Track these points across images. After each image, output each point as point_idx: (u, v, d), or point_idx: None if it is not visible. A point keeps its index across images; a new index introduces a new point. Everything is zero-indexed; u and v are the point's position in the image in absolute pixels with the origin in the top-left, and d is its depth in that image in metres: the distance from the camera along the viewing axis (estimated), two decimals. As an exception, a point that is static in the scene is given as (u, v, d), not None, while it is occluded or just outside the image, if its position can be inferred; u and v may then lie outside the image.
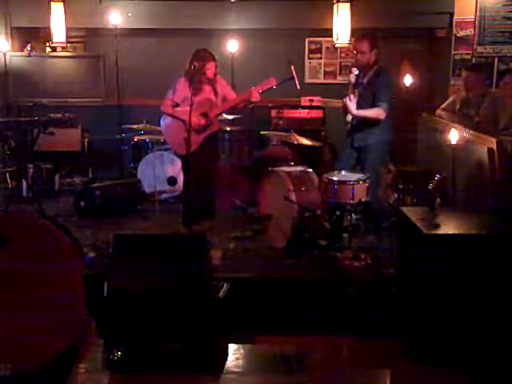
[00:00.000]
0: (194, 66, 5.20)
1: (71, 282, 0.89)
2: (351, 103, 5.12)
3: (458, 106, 6.09)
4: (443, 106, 6.26)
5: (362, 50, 5.27)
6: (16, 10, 7.70)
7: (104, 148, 7.60)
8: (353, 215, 5.04)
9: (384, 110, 5.15)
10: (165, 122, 5.54)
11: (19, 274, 0.85)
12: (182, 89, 5.36)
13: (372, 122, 5.23)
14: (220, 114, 5.64)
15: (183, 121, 5.22)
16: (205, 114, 5.34)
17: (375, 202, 5.34)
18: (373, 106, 5.19)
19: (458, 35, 7.51)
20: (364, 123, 5.27)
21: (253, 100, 5.29)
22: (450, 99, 6.31)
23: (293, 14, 7.74)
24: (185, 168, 5.57)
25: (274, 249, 5.17)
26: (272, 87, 5.37)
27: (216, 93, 5.42)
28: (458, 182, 4.57)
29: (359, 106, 5.18)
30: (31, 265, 0.86)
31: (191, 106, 5.01)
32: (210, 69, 5.32)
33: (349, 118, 5.30)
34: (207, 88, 5.39)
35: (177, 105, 5.40)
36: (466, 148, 5.17)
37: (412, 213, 4.09)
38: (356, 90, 5.21)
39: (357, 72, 5.24)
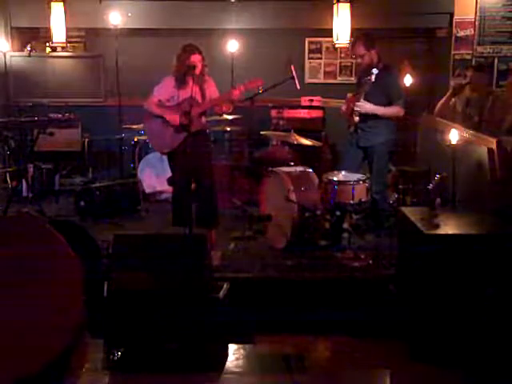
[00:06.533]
0: (180, 61, 5.17)
1: (68, 285, 0.89)
2: (364, 103, 5.15)
3: (459, 108, 6.08)
4: (441, 101, 6.27)
5: (360, 54, 5.26)
6: (16, 9, 7.70)
7: (104, 148, 7.60)
8: (353, 215, 5.04)
9: (401, 107, 5.21)
10: (147, 119, 5.47)
11: (18, 276, 0.85)
12: (168, 86, 5.31)
13: (378, 122, 5.23)
14: (202, 113, 5.47)
15: (164, 118, 5.20)
16: (186, 113, 5.23)
17: (383, 201, 5.34)
18: (388, 104, 5.20)
19: (458, 35, 7.52)
20: (370, 124, 5.26)
21: (233, 98, 5.14)
22: (449, 94, 6.30)
23: (293, 14, 7.73)
24: (171, 167, 5.53)
25: (274, 249, 5.17)
26: (258, 87, 5.26)
27: (203, 93, 5.33)
28: (458, 182, 4.56)
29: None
30: (30, 267, 0.86)
31: (178, 104, 5.04)
32: (195, 61, 5.21)
33: (356, 119, 5.27)
34: (194, 87, 5.23)
35: (162, 102, 5.34)
36: (466, 148, 5.17)
37: (412, 213, 4.09)
38: (362, 89, 5.21)
39: (376, 71, 5.10)
